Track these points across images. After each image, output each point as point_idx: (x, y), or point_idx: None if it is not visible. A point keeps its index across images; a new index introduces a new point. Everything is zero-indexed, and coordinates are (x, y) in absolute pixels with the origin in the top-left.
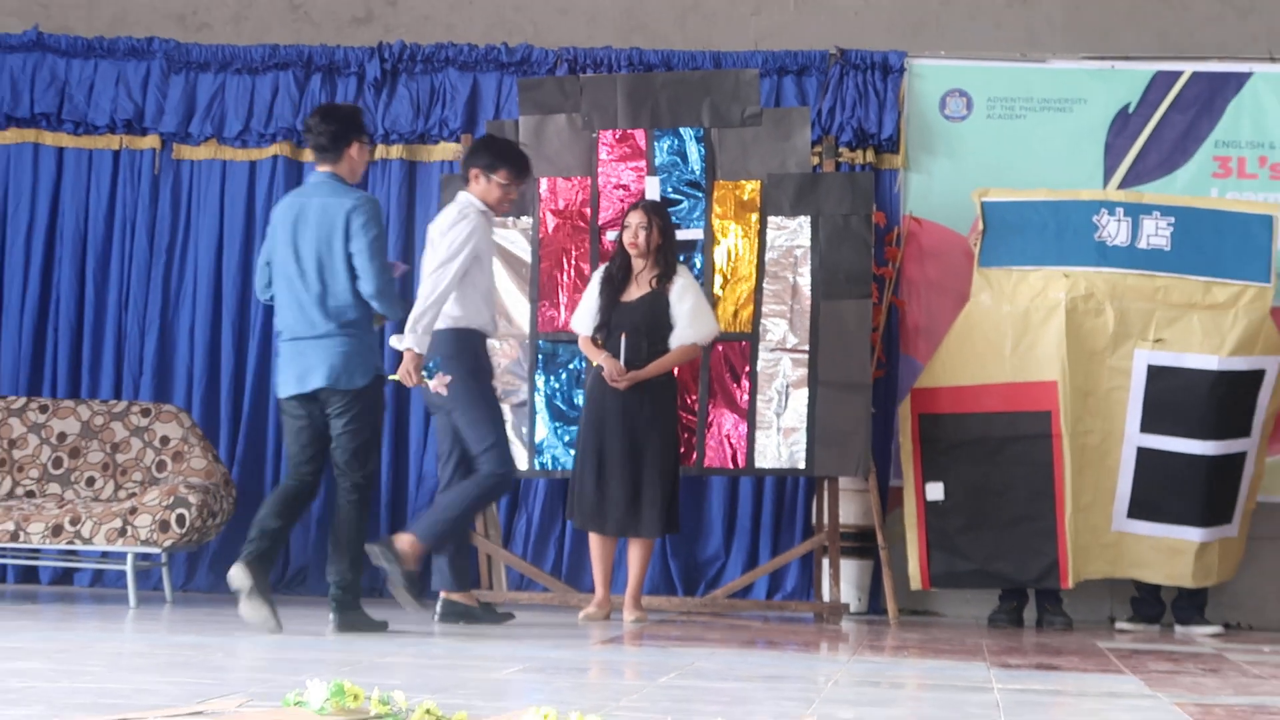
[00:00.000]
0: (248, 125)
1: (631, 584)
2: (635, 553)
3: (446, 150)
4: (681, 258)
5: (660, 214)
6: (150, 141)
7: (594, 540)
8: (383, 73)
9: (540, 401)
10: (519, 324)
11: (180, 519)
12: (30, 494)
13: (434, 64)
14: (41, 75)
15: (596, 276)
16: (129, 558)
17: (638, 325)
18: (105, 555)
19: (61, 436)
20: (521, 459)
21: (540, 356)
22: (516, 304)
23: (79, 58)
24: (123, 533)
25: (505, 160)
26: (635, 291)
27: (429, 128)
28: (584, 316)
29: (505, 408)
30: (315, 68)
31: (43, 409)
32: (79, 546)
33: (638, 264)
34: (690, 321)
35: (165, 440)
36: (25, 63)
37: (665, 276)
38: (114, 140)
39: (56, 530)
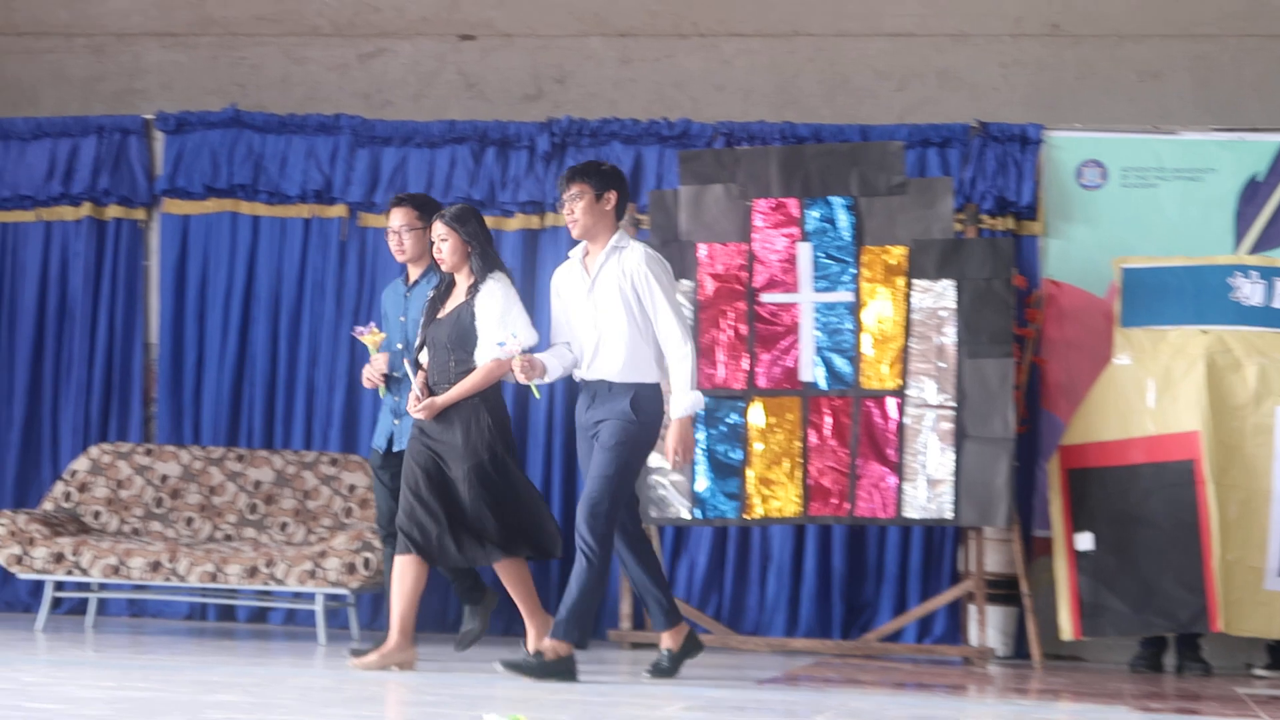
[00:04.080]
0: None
1: (524, 615)
2: (505, 582)
3: None
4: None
5: (464, 221)
6: (338, 210)
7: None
8: (552, 146)
9: (700, 454)
10: None
11: (366, 562)
12: (228, 538)
13: (599, 137)
14: (239, 149)
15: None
16: (318, 598)
17: (443, 342)
18: (297, 596)
19: (257, 484)
20: (684, 509)
21: (701, 412)
22: None
23: (273, 133)
24: (313, 574)
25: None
26: (450, 305)
27: None
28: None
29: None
30: (490, 141)
31: (240, 458)
32: (273, 587)
33: (458, 278)
34: (495, 335)
35: (352, 488)
36: (224, 138)
37: (477, 287)
38: (304, 209)
39: (252, 572)
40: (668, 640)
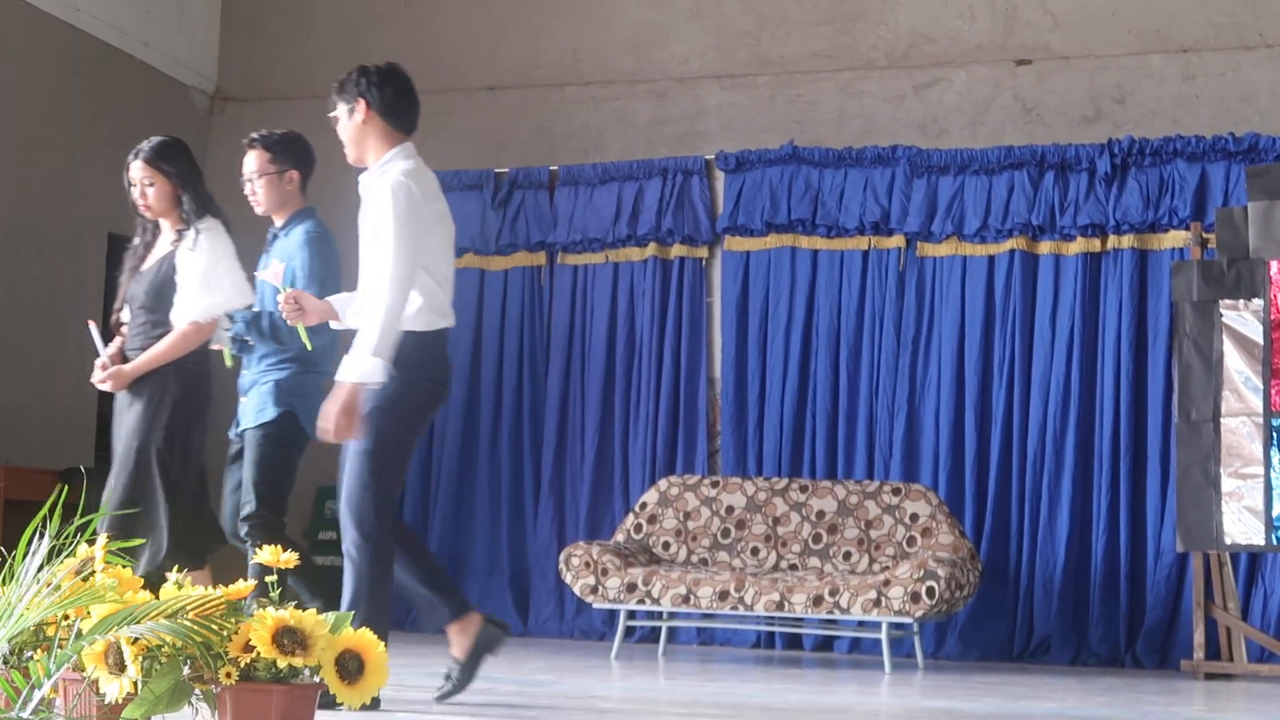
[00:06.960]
0: (985, 222)
1: None
2: None
3: (1176, 238)
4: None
5: (170, 158)
6: (896, 241)
7: None
8: (1112, 167)
9: (1275, 477)
10: (1251, 403)
11: (930, 591)
12: (793, 567)
13: (1162, 156)
14: (797, 185)
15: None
16: (883, 626)
17: (140, 299)
18: (861, 624)
19: (820, 514)
20: (1259, 533)
21: (1275, 434)
22: (1248, 383)
23: (830, 167)
24: (877, 603)
25: None
26: (154, 257)
27: (1158, 217)
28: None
29: (1238, 483)
30: (1048, 165)
31: (803, 489)
32: (837, 616)
33: (164, 224)
34: (195, 293)
35: (914, 517)
36: (782, 174)
37: (183, 234)
38: (862, 241)
39: (817, 600)
40: (455, 644)
